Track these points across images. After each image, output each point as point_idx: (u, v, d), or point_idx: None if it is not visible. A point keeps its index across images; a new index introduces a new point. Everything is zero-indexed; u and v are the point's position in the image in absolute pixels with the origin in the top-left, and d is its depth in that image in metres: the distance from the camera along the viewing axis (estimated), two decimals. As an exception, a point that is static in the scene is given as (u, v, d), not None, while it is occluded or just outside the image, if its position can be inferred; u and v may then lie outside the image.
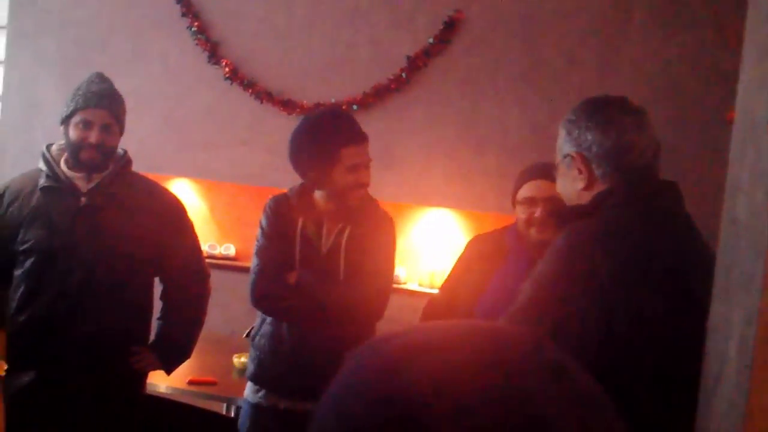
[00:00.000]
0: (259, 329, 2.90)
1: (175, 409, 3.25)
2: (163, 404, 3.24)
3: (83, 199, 2.82)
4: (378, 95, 4.82)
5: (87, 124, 2.80)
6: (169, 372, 3.07)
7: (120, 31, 5.22)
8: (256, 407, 2.90)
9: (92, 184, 2.84)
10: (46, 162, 2.86)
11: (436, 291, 4.77)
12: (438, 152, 4.79)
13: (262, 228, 2.88)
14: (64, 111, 2.85)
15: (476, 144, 4.74)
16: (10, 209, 2.85)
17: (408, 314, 4.77)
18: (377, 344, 0.63)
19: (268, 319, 2.86)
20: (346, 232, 2.78)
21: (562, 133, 1.90)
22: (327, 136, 2.73)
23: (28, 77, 5.37)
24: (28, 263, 2.81)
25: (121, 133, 2.91)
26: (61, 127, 2.87)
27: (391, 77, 4.80)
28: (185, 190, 5.31)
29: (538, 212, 2.56)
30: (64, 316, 2.77)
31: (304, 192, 2.84)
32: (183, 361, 3.08)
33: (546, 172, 2.54)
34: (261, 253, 2.85)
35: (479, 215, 4.84)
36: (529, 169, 2.67)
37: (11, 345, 2.83)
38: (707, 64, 4.43)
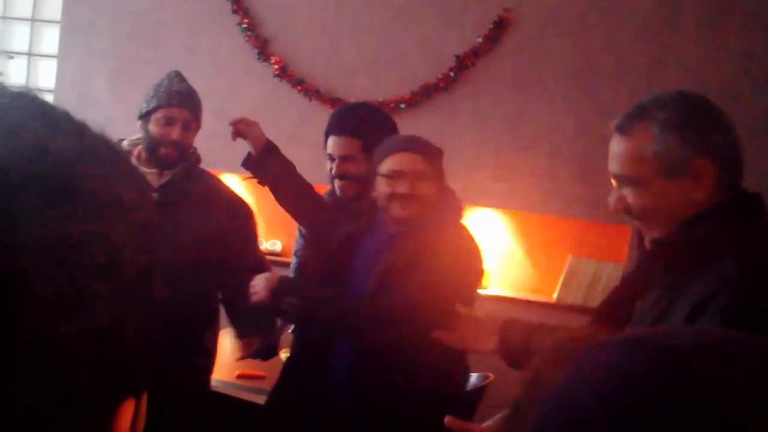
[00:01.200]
0: (293, 329, 2.96)
1: (224, 403, 3.28)
2: (213, 398, 3.27)
3: (155, 195, 2.82)
4: (426, 94, 4.81)
5: (169, 121, 2.84)
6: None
7: (171, 27, 5.27)
8: None
9: (164, 180, 2.88)
10: None
11: (480, 291, 4.77)
12: (485, 152, 4.77)
13: (299, 230, 2.99)
14: (144, 107, 2.89)
15: (524, 144, 4.72)
16: None
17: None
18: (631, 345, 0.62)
19: None
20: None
21: (664, 136, 1.62)
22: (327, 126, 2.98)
23: (80, 71, 5.46)
24: None
25: (197, 131, 2.97)
26: (139, 123, 2.90)
27: (440, 76, 4.79)
28: (232, 186, 5.34)
29: (403, 187, 2.55)
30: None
31: (333, 191, 2.98)
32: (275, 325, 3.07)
33: (412, 144, 2.67)
34: (299, 254, 2.96)
35: (525, 215, 4.82)
36: (395, 141, 2.69)
37: None
38: (758, 68, 4.36)
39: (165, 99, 2.86)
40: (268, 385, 3.35)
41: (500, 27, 4.71)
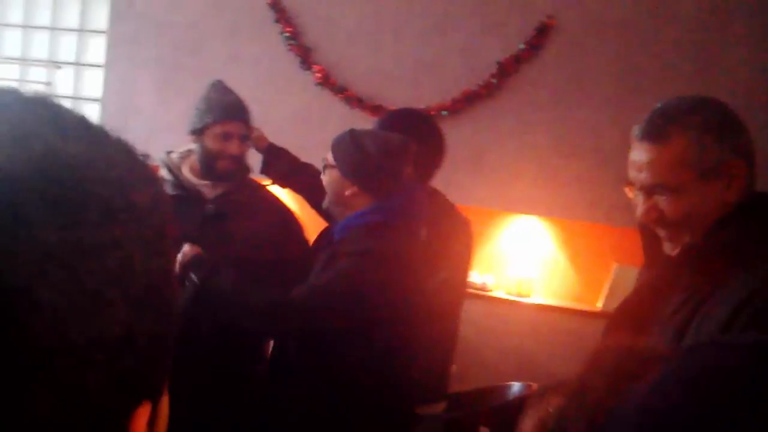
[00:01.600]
0: None
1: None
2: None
3: (210, 207, 2.83)
4: (468, 101, 4.80)
5: (227, 136, 2.81)
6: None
7: (215, 36, 5.33)
8: None
9: (218, 192, 2.86)
10: (169, 170, 2.87)
11: (523, 299, 4.73)
12: (528, 158, 4.74)
13: None
14: (196, 122, 2.84)
15: (567, 151, 4.68)
16: None
17: (495, 322, 4.75)
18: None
19: None
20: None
21: (700, 142, 1.59)
22: None
23: (126, 81, 5.54)
24: None
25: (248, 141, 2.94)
26: (192, 136, 2.87)
27: (481, 83, 4.78)
28: (279, 194, 5.38)
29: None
30: (192, 320, 2.78)
31: None
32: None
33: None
34: None
35: (568, 223, 4.78)
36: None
37: None
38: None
39: (220, 114, 2.82)
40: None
41: (543, 33, 4.68)
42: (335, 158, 2.58)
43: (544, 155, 4.73)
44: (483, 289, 4.80)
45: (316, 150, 5.09)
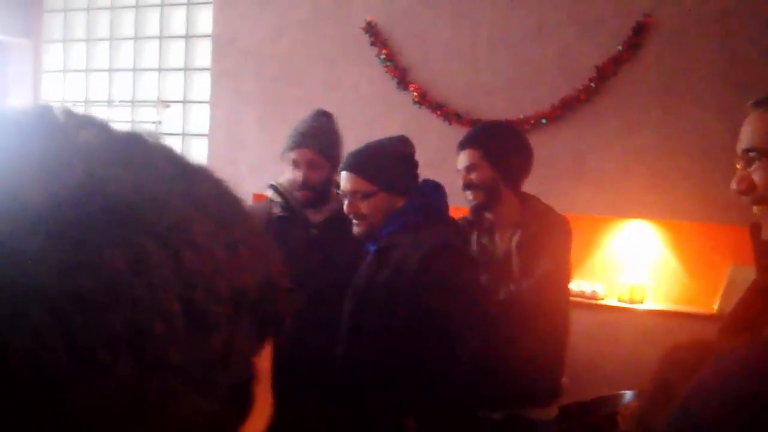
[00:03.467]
0: None
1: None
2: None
3: (314, 231, 2.96)
4: (567, 107, 4.76)
5: (295, 164, 2.94)
6: None
7: (313, 65, 5.46)
8: None
9: (322, 217, 2.98)
10: (279, 193, 2.99)
11: (636, 306, 4.63)
12: (633, 161, 4.65)
13: None
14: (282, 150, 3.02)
15: (674, 150, 4.57)
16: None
17: (607, 331, 4.66)
18: None
19: None
20: (516, 237, 2.92)
21: None
22: None
23: (230, 115, 5.73)
24: None
25: (333, 167, 2.97)
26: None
27: (580, 88, 4.73)
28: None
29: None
30: (296, 346, 2.87)
31: (475, 209, 3.05)
32: None
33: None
34: None
35: (680, 225, 4.65)
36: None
37: None
38: None
39: (289, 142, 2.97)
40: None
41: (640, 32, 4.60)
42: (372, 181, 2.65)
43: (650, 156, 4.63)
44: (594, 297, 4.72)
45: (418, 168, 5.16)
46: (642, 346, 4.41)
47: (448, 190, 5.05)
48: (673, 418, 0.66)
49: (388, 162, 2.65)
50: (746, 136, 1.60)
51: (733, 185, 1.62)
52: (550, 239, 2.90)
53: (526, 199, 3.02)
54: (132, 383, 0.39)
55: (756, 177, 1.57)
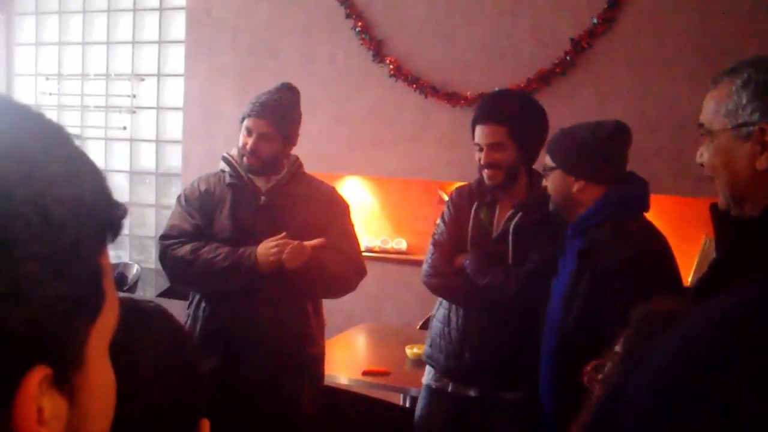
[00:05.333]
0: (435, 312, 3.04)
1: (351, 400, 3.35)
2: (340, 395, 3.35)
3: (263, 198, 2.99)
4: (543, 80, 4.76)
5: (248, 131, 2.97)
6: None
7: (289, 37, 5.42)
8: (428, 388, 3.03)
9: (271, 184, 3.01)
10: (229, 164, 3.04)
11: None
12: (608, 135, 4.67)
13: (442, 216, 3.02)
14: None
15: (648, 124, 4.59)
16: (206, 200, 3.03)
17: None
18: None
19: (443, 302, 3.00)
20: (516, 219, 2.83)
21: (738, 95, 1.56)
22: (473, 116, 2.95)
23: (206, 87, 5.69)
24: (216, 251, 2.94)
25: (286, 142, 3.01)
26: None
27: (556, 61, 4.73)
28: (357, 188, 5.45)
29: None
30: (246, 305, 2.93)
31: (482, 179, 2.90)
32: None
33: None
34: (437, 237, 3.00)
35: (654, 198, 4.67)
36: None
37: (197, 330, 2.98)
38: None
39: (248, 109, 3.00)
40: (393, 380, 3.42)
41: (615, 6, 4.60)
42: (554, 159, 2.55)
43: (625, 130, 4.65)
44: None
45: (393, 142, 5.17)
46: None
47: (423, 162, 5.08)
48: (629, 374, 0.68)
49: (582, 145, 2.54)
50: (703, 108, 1.66)
51: (697, 156, 1.68)
52: (548, 232, 2.80)
53: (535, 180, 2.89)
54: (6, 270, 0.49)
55: (704, 155, 1.64)
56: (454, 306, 2.94)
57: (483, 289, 2.80)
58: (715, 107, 1.61)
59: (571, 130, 2.57)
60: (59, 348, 0.53)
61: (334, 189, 3.21)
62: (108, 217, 0.57)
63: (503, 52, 4.88)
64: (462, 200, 2.98)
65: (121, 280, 5.70)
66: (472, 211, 2.92)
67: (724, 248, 1.66)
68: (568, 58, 4.70)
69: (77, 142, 0.58)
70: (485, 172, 2.83)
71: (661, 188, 4.59)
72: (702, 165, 1.66)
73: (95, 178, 0.57)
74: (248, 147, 2.95)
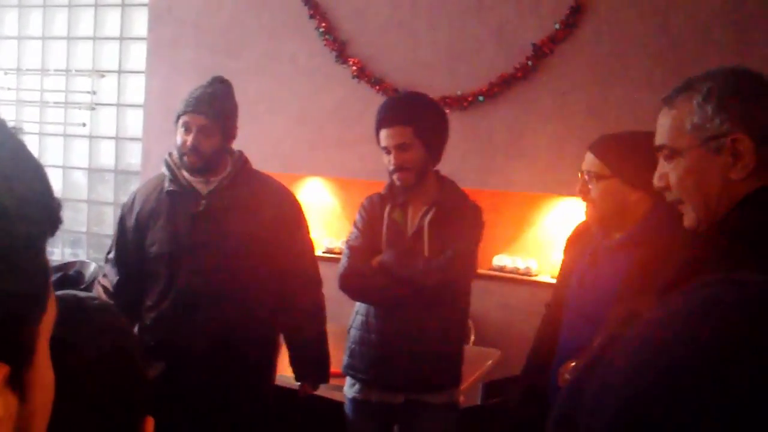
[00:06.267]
0: (352, 322, 3.01)
1: (305, 400, 3.32)
2: (291, 395, 3.32)
3: (203, 203, 2.88)
4: (505, 85, 4.78)
5: (186, 128, 2.87)
6: (325, 382, 3.14)
7: (252, 37, 5.39)
8: (353, 401, 3.01)
9: (211, 186, 2.90)
10: (168, 167, 2.94)
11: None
12: (568, 139, 4.70)
13: (355, 223, 3.02)
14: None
15: (607, 130, 4.59)
16: (141, 213, 2.93)
17: (540, 307, 4.72)
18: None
19: (360, 310, 2.99)
20: (430, 214, 2.87)
21: (702, 109, 1.54)
22: (375, 121, 2.94)
23: (167, 85, 5.63)
24: (154, 265, 2.89)
25: (225, 136, 2.92)
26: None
27: (518, 66, 4.76)
28: (318, 188, 5.43)
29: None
30: (189, 314, 2.84)
31: (393, 182, 2.94)
32: (328, 368, 3.13)
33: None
34: (351, 242, 2.99)
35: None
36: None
37: (141, 340, 2.89)
38: None
39: (182, 106, 2.90)
40: (343, 381, 3.40)
41: (577, 12, 4.64)
42: (611, 166, 2.33)
43: (584, 135, 4.65)
44: (527, 273, 4.79)
45: (355, 143, 5.16)
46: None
47: (383, 165, 5.04)
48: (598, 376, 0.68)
49: (646, 155, 2.40)
50: (658, 132, 1.64)
51: (655, 180, 1.65)
52: (464, 224, 2.87)
53: (442, 178, 2.98)
54: None
55: (671, 177, 1.60)
56: (371, 310, 2.92)
57: (405, 281, 2.79)
58: (678, 125, 1.58)
59: (632, 138, 2.38)
60: (16, 346, 0.52)
61: (285, 189, 3.10)
62: (52, 211, 0.56)
63: (466, 55, 4.90)
64: (374, 206, 2.99)
65: (77, 279, 5.61)
66: (386, 214, 2.93)
67: (689, 254, 1.65)
68: (529, 63, 4.73)
69: (20, 136, 0.58)
70: (396, 176, 2.87)
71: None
72: (663, 188, 1.62)
73: (39, 171, 0.56)
74: (188, 144, 2.84)
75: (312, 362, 3.07)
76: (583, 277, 2.35)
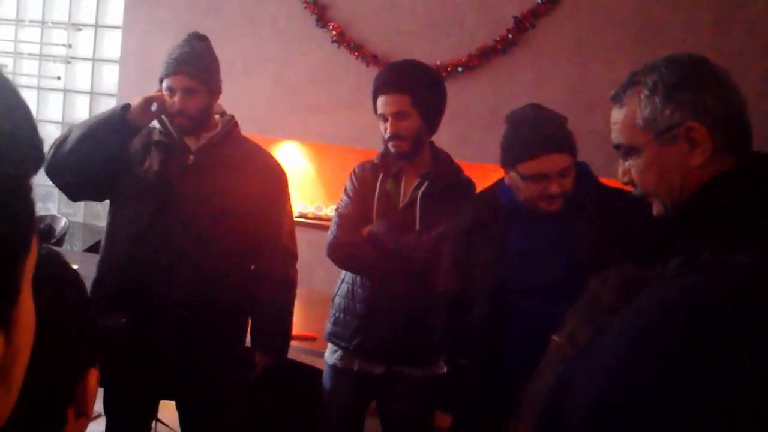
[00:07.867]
0: (338, 289, 3.00)
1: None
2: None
3: (192, 157, 2.85)
4: (484, 57, 4.78)
5: (171, 91, 2.81)
6: (281, 359, 3.09)
7: (231, -4, 5.33)
8: (333, 368, 3.00)
9: (201, 143, 2.88)
10: (160, 121, 2.90)
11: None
12: (545, 115, 4.72)
13: (346, 190, 2.97)
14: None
15: (585, 106, 4.65)
16: (134, 144, 2.87)
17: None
18: None
19: (346, 278, 2.97)
20: (423, 187, 2.84)
21: (651, 102, 1.54)
22: (373, 87, 2.89)
23: (143, 42, 5.56)
24: (138, 208, 2.83)
25: (210, 92, 2.87)
26: None
27: (498, 39, 4.75)
28: (293, 153, 5.42)
29: (553, 187, 2.47)
30: (166, 264, 2.79)
31: (387, 151, 2.89)
32: (287, 345, 3.09)
33: (554, 143, 2.54)
34: (341, 209, 2.95)
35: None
36: (533, 142, 2.51)
37: (101, 284, 2.84)
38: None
39: (164, 69, 2.83)
40: (318, 346, 3.42)
41: (560, -13, 4.64)
42: None
43: (561, 110, 4.68)
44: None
45: (332, 109, 5.14)
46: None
47: (361, 131, 5.01)
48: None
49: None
50: (612, 131, 1.63)
51: (619, 177, 1.64)
52: (456, 199, 2.80)
53: (437, 150, 2.96)
54: None
55: (633, 173, 1.60)
56: (358, 279, 2.91)
57: (393, 254, 2.77)
58: (629, 122, 1.58)
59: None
60: (4, 286, 0.52)
61: (272, 156, 3.08)
62: (38, 151, 0.56)
63: (447, 25, 4.88)
64: (366, 174, 2.94)
65: (48, 233, 5.58)
66: (378, 184, 2.89)
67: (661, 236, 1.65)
68: (510, 36, 4.72)
69: (2, 73, 0.57)
70: (391, 143, 2.82)
71: (596, 170, 4.67)
72: (628, 184, 1.62)
73: (25, 109, 0.55)
74: (175, 107, 2.79)
75: (273, 334, 3.04)
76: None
